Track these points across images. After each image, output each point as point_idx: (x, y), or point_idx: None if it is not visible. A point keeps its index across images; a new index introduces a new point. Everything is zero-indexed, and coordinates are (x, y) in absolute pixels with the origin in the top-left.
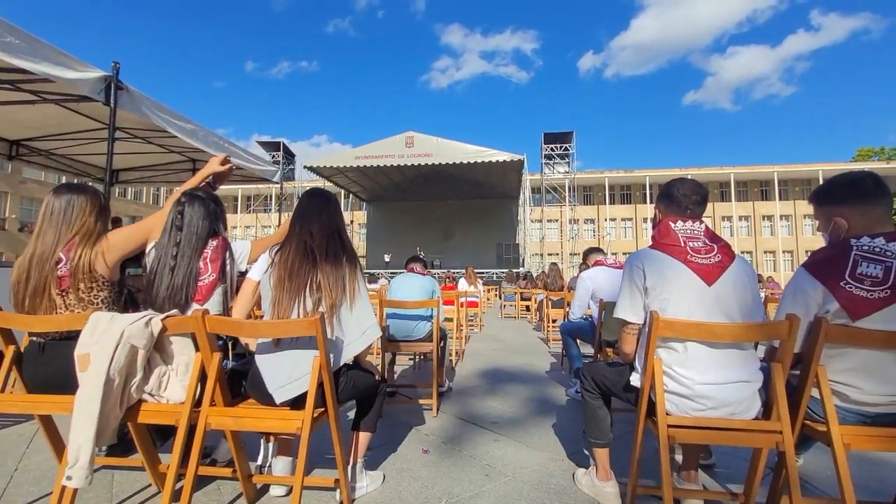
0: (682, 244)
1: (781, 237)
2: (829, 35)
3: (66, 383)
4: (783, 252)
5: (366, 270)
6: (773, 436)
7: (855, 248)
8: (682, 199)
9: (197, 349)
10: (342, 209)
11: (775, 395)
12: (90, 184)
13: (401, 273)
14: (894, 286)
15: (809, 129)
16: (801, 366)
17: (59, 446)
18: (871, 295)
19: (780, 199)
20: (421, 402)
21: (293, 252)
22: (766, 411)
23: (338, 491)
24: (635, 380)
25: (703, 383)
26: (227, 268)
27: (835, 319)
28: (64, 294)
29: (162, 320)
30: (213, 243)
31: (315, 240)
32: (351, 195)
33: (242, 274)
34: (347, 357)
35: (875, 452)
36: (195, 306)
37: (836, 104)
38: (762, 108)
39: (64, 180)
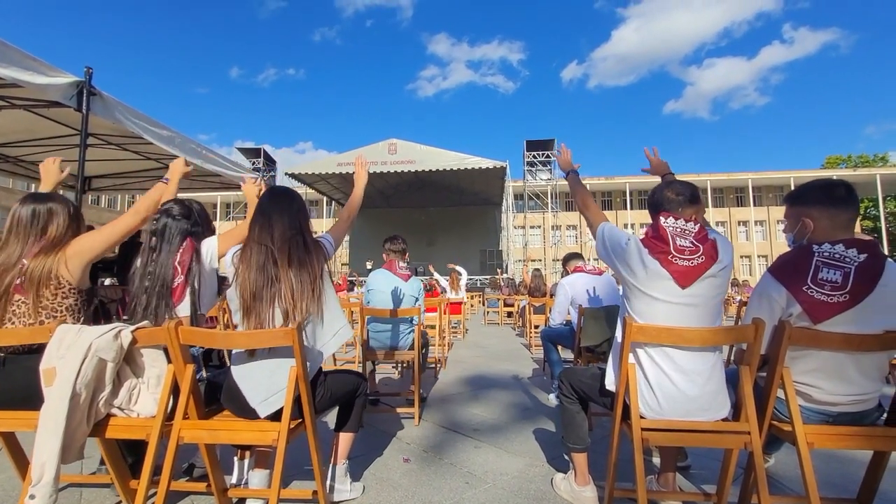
0: (670, 240)
1: (756, 242)
2: (801, 48)
3: (30, 398)
4: (758, 256)
5: (350, 277)
6: (742, 436)
7: (816, 253)
8: (666, 203)
9: (169, 361)
10: (325, 216)
11: (743, 397)
12: (59, 192)
13: (378, 272)
14: (852, 291)
15: (782, 137)
16: (766, 368)
17: (22, 464)
18: (831, 299)
19: (755, 205)
20: (402, 410)
21: (254, 258)
22: (736, 413)
23: (316, 502)
24: (610, 384)
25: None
26: (193, 269)
27: (797, 322)
28: (24, 302)
29: (132, 332)
30: (183, 246)
31: (276, 244)
32: (333, 202)
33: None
34: (321, 361)
35: (841, 450)
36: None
37: (807, 114)
38: (739, 118)
39: (33, 187)
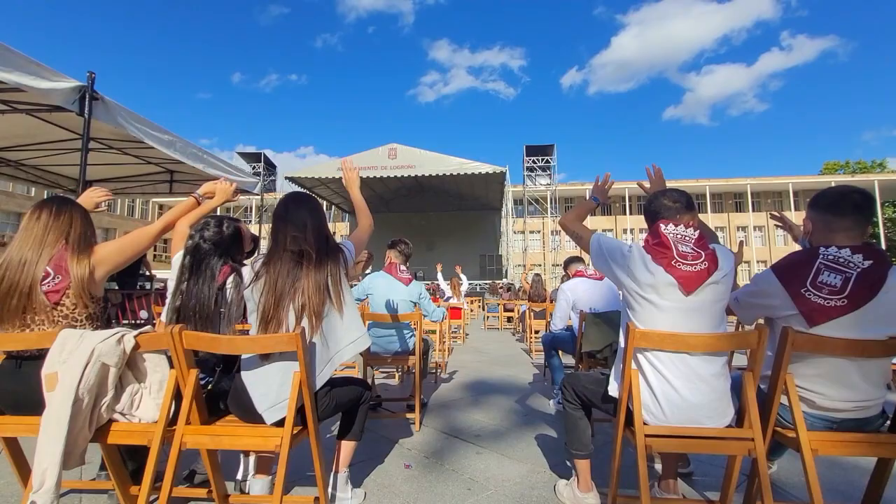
0: (672, 246)
1: (756, 247)
2: (800, 55)
3: (37, 404)
4: (757, 262)
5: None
6: (746, 443)
7: (821, 256)
8: (664, 210)
9: (171, 366)
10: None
11: (746, 403)
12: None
13: (378, 275)
14: (851, 296)
15: (781, 143)
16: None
17: (23, 470)
18: (828, 303)
19: (753, 210)
20: (404, 416)
21: (281, 265)
22: (739, 419)
23: None
24: (613, 390)
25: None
26: (227, 296)
27: (792, 324)
28: (54, 308)
29: (135, 336)
30: (219, 271)
31: (311, 245)
32: (333, 206)
33: None
34: (334, 368)
35: (844, 457)
36: None
37: (805, 121)
38: (738, 124)
39: (34, 191)
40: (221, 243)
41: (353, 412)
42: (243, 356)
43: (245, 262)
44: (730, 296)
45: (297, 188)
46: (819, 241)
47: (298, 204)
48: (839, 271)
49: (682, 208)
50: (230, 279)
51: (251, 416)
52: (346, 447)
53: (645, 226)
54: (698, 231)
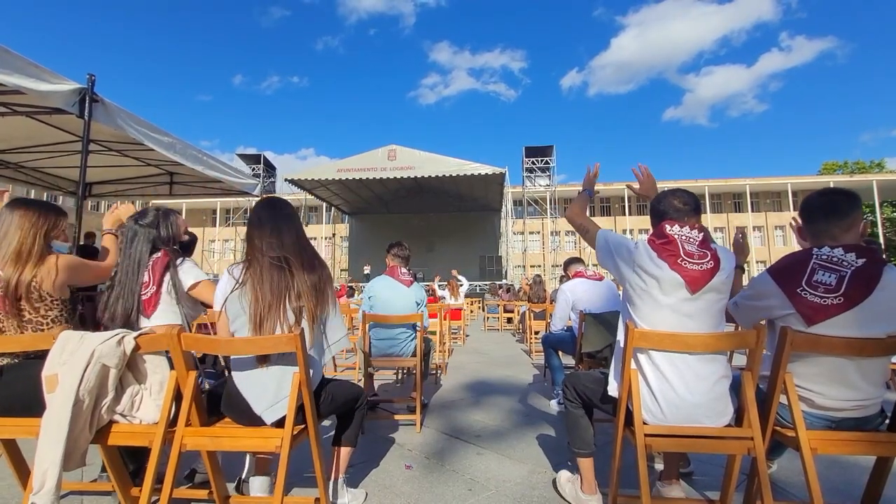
0: (679, 245)
1: (755, 248)
2: (799, 55)
3: (31, 406)
4: (757, 262)
5: (349, 283)
6: (745, 442)
7: (815, 256)
8: (672, 211)
9: (172, 367)
10: (324, 222)
11: (745, 403)
12: (59, 198)
13: (381, 279)
14: (846, 294)
15: (780, 144)
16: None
17: (22, 472)
18: (825, 301)
19: (753, 210)
20: (404, 417)
21: (265, 271)
22: (739, 418)
23: None
24: (613, 390)
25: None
26: (169, 280)
27: (791, 324)
28: (7, 317)
29: (135, 338)
30: (154, 256)
31: (287, 250)
32: (333, 208)
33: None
34: (322, 367)
35: (843, 456)
36: (144, 321)
37: (804, 121)
38: (737, 125)
39: (33, 194)
40: (155, 229)
41: (350, 416)
42: (233, 358)
43: (178, 250)
44: (728, 301)
45: (295, 190)
46: (811, 241)
47: (272, 210)
48: (833, 270)
49: (690, 210)
50: (169, 265)
51: (248, 418)
52: (343, 453)
53: (644, 227)
54: (703, 233)
